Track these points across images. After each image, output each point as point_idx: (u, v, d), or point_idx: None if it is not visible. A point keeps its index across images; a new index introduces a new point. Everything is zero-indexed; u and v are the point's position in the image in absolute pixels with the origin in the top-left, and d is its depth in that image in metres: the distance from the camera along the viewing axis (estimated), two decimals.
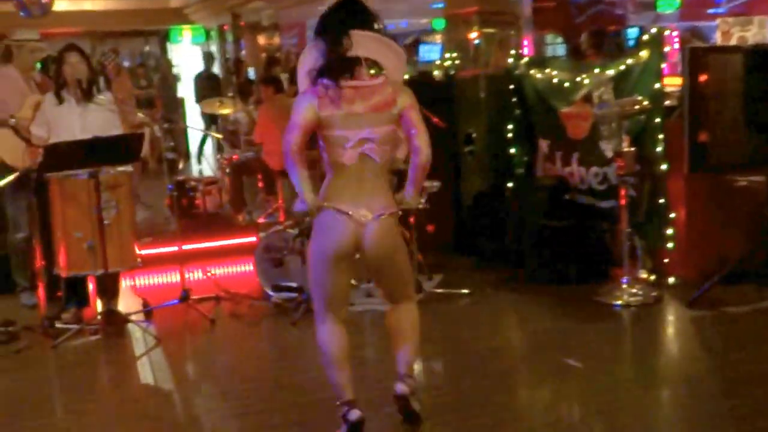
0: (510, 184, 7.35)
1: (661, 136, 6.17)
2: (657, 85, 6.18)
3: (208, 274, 6.85)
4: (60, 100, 5.95)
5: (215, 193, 8.55)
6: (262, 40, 14.47)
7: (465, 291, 6.32)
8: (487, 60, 8.47)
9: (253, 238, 7.23)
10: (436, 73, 8.33)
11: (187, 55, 16.19)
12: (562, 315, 5.81)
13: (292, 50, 14.73)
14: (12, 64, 6.46)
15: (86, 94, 5.92)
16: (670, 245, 6.23)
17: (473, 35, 8.04)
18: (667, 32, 6.39)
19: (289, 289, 6.06)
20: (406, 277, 4.11)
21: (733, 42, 8.96)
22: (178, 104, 14.81)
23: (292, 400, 4.54)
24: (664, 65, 6.32)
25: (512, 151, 7.39)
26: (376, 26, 3.80)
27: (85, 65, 5.95)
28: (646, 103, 5.97)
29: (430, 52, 11.78)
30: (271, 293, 6.17)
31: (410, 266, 4.32)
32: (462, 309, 6.07)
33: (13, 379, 5.16)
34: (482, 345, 5.37)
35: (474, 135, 7.68)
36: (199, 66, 15.80)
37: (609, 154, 6.40)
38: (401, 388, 4.03)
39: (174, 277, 6.63)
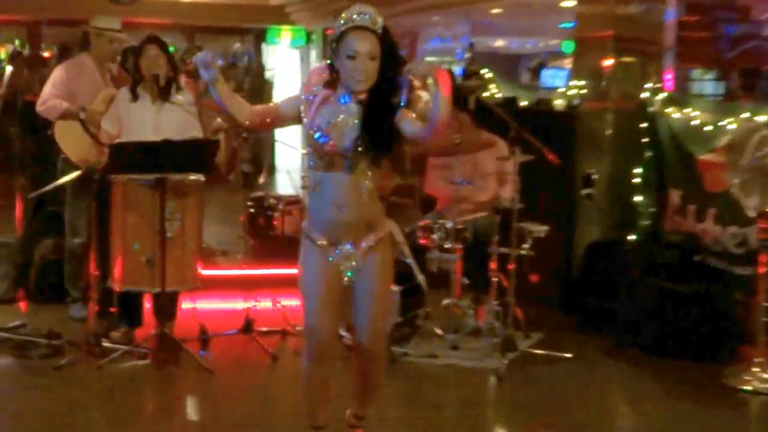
0: (631, 237, 7.19)
1: None
2: None
3: (278, 304, 6.87)
4: (135, 96, 6.12)
5: (296, 214, 8.60)
6: None
7: (567, 355, 6.18)
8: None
9: None
10: (558, 102, 8.24)
11: (283, 59, 16.45)
12: (678, 395, 5.63)
13: None
14: (88, 53, 6.67)
15: (163, 92, 6.06)
16: None
17: (607, 63, 7.93)
18: None
19: None
20: None
21: None
22: None
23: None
24: None
25: (638, 199, 7.26)
26: None
27: (164, 60, 6.11)
28: None
29: (554, 77, 11.69)
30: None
31: None
32: (561, 376, 5.94)
33: (51, 397, 5.27)
34: (581, 421, 5.22)
35: (594, 176, 7.54)
36: (296, 71, 16.03)
37: (752, 213, 6.21)
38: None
39: (238, 304, 6.69)
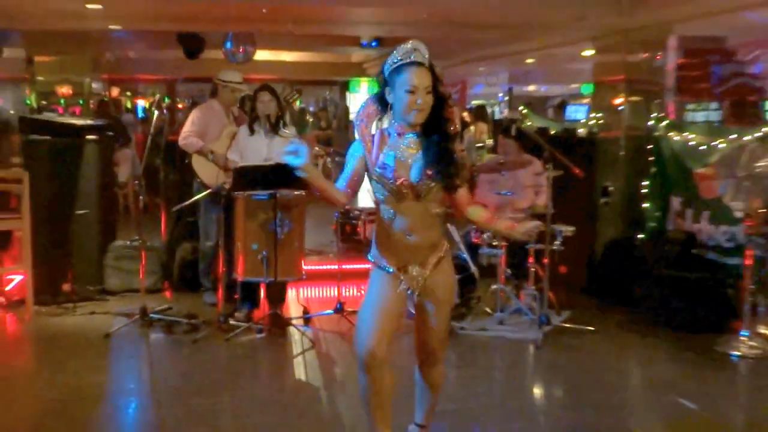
0: (641, 236, 7.13)
1: None
2: None
3: (362, 291, 6.94)
4: (252, 131, 6.25)
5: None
6: None
7: (590, 328, 6.14)
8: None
9: None
10: (580, 131, 8.22)
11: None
12: (681, 359, 5.56)
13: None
14: (217, 99, 6.83)
15: (273, 128, 6.19)
16: None
17: (619, 100, 7.91)
18: None
19: None
20: None
21: None
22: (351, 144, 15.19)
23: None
24: None
25: (646, 205, 7.20)
26: None
27: (274, 103, 6.21)
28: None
29: (577, 112, 11.66)
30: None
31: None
32: (586, 344, 5.89)
33: (190, 363, 5.39)
34: (603, 379, 5.19)
35: (611, 188, 7.52)
36: None
37: (739, 214, 6.12)
38: None
39: (332, 291, 6.78)
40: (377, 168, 3.30)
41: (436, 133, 3.30)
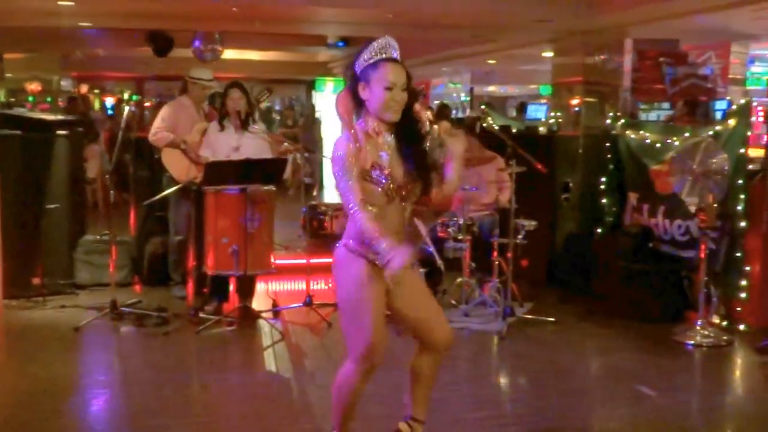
0: (599, 230, 7.18)
1: (742, 196, 5.92)
2: (742, 150, 5.94)
3: (329, 284, 6.90)
4: (222, 127, 6.16)
5: (342, 218, 8.64)
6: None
7: (551, 319, 6.16)
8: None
9: None
10: (540, 129, 8.25)
11: (327, 102, 16.52)
12: (639, 348, 5.59)
13: None
14: (187, 96, 6.71)
15: (243, 124, 6.10)
16: (743, 295, 5.94)
17: (575, 101, 7.96)
18: (754, 104, 6.13)
19: None
20: None
21: None
22: (317, 142, 15.12)
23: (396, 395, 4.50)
24: (749, 133, 6.08)
25: (604, 201, 7.25)
26: None
27: (244, 100, 6.14)
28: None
29: (537, 111, 11.74)
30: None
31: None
32: (548, 334, 5.91)
33: (161, 355, 5.31)
34: (564, 367, 5.21)
35: (570, 184, 7.56)
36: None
37: (693, 209, 6.18)
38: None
39: (301, 285, 6.72)
40: (373, 170, 3.08)
41: (408, 132, 3.13)
